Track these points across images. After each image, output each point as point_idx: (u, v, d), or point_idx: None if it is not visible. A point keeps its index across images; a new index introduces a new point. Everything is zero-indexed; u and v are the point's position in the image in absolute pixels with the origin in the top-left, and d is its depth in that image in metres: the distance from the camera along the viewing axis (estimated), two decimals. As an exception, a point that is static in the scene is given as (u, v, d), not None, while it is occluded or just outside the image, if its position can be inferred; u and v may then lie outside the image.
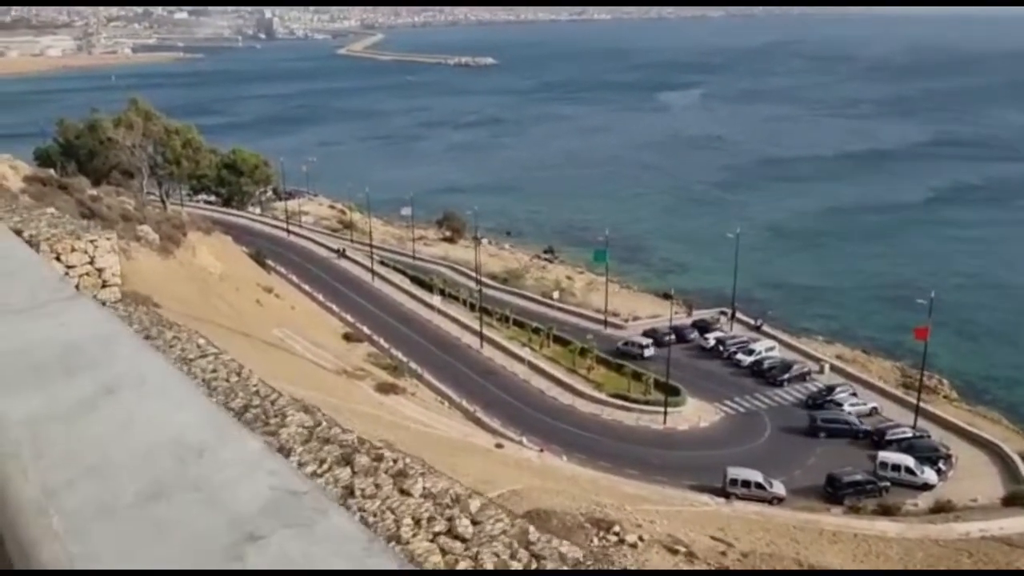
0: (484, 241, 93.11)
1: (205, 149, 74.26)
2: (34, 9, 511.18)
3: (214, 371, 6.74)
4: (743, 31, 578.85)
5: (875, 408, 56.38)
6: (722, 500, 41.72)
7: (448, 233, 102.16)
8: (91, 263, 10.02)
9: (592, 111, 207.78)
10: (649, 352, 64.25)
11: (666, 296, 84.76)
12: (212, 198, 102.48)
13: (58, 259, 9.84)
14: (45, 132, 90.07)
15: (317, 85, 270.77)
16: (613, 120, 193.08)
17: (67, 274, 9.73)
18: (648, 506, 32.78)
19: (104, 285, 10.16)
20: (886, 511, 42.99)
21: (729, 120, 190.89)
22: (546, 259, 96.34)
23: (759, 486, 45.50)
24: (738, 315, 72.82)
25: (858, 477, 46.64)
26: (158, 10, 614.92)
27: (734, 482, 45.46)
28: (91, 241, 10.00)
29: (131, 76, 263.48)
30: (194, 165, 71.41)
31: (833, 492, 45.83)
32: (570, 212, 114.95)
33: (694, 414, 55.81)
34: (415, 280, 78.07)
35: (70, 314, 3.38)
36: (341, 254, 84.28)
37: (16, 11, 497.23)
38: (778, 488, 46.07)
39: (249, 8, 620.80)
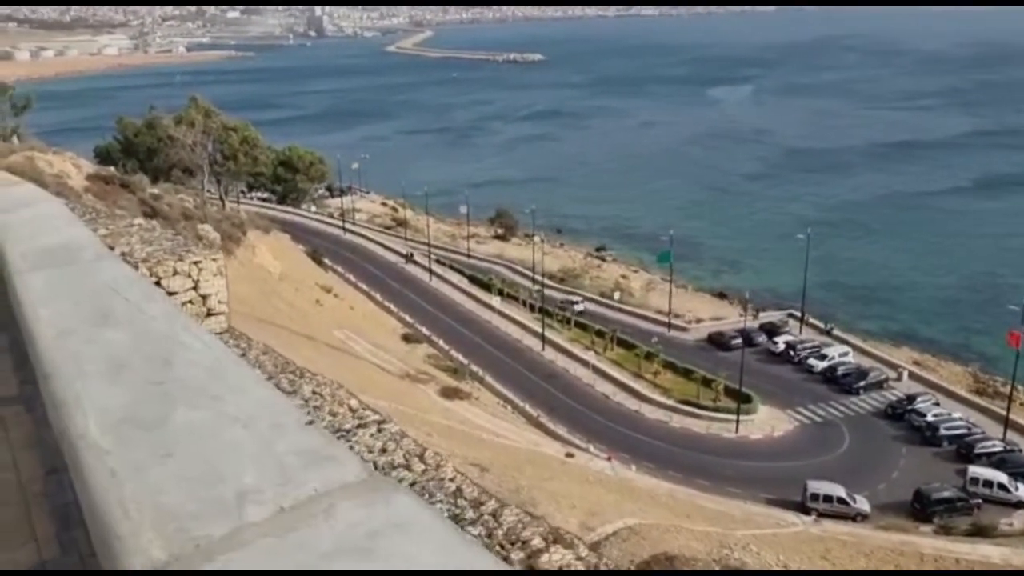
0: (536, 239, 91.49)
1: (262, 146, 73.68)
2: (92, 9, 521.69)
3: (384, 450, 5.21)
4: (794, 26, 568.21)
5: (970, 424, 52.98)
6: (808, 518, 39.57)
7: (500, 231, 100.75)
8: (195, 288, 8.60)
9: (641, 106, 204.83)
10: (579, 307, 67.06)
11: (721, 295, 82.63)
12: (266, 195, 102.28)
13: (158, 283, 8.44)
14: (105, 129, 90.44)
15: (366, 82, 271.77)
16: (662, 115, 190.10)
17: (168, 300, 8.36)
18: (743, 530, 30.87)
19: (209, 313, 8.73)
20: (980, 531, 40.42)
21: (781, 115, 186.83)
22: (599, 257, 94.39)
23: (842, 501, 43.24)
24: (807, 318, 70.11)
25: (948, 494, 44.08)
26: (211, 9, 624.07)
27: (815, 497, 43.25)
28: (195, 263, 8.57)
29: (189, 73, 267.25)
30: (252, 162, 70.83)
31: (921, 509, 43.35)
32: (620, 209, 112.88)
33: (767, 422, 53.56)
34: (473, 280, 76.70)
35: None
36: (409, 259, 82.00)
37: (75, 11, 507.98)
38: (862, 504, 43.74)
39: (300, 7, 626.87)
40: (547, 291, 70.39)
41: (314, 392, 6.43)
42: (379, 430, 5.50)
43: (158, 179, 65.68)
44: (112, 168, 64.07)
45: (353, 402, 6.06)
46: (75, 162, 55.87)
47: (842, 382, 58.81)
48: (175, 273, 8.46)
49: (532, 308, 69.86)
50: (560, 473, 29.94)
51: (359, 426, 5.54)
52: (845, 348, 63.33)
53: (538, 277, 74.49)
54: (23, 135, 57.37)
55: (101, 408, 2.18)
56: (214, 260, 8.63)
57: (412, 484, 4.74)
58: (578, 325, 66.72)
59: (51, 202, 7.04)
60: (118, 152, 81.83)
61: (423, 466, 5.11)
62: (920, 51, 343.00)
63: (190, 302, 8.64)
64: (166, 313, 3.03)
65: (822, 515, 42.56)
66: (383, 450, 5.23)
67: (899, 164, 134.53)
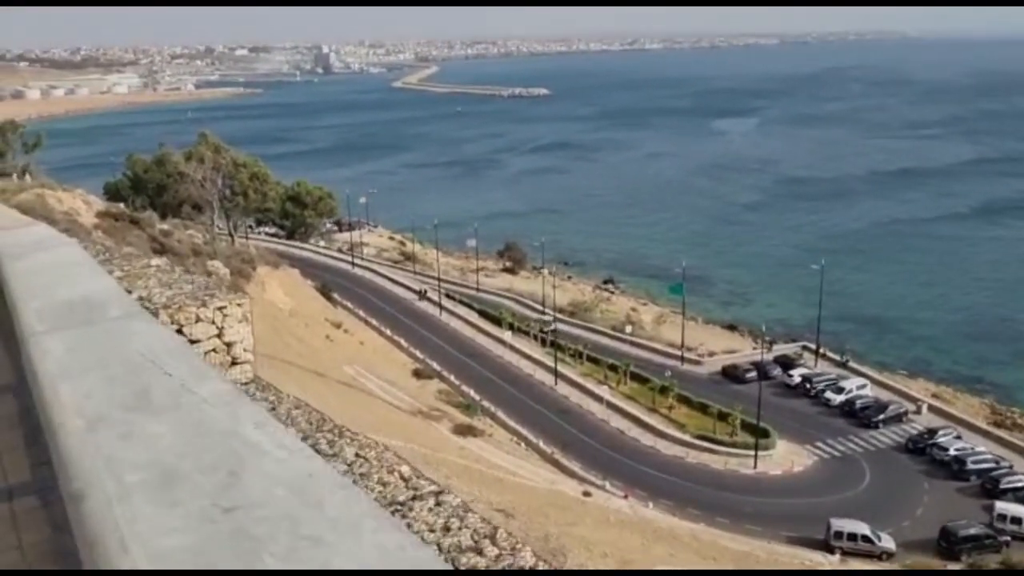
0: (544, 271, 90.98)
1: (272, 181, 73.60)
2: (102, 48, 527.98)
3: (447, 528, 4.57)
4: (798, 58, 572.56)
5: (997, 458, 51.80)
6: (835, 558, 38.53)
7: (509, 264, 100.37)
8: (219, 335, 8.01)
9: (647, 138, 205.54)
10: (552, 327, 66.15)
11: (731, 327, 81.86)
12: (273, 230, 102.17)
13: (179, 331, 7.86)
14: (115, 166, 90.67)
15: (372, 117, 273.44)
16: (668, 147, 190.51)
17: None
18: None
19: (234, 363, 8.13)
20: (1010, 569, 39.29)
21: (787, 145, 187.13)
22: (607, 290, 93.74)
23: (866, 539, 42.18)
24: (822, 350, 69.21)
25: (975, 531, 42.96)
26: (220, 47, 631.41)
27: (839, 535, 42.20)
28: (219, 309, 7.99)
29: (198, 110, 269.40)
30: (261, 198, 70.71)
31: (948, 547, 42.23)
32: (627, 240, 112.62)
33: (786, 458, 52.54)
34: (483, 314, 76.07)
35: None
36: (423, 296, 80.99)
37: (85, 50, 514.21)
38: (887, 542, 42.64)
39: (307, 44, 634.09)
40: (534, 314, 69.80)
41: (357, 455, 5.81)
42: (438, 503, 4.87)
43: (167, 215, 65.58)
44: (122, 205, 64.05)
45: (404, 469, 5.43)
46: (85, 199, 55.77)
47: (861, 416, 57.80)
48: (198, 320, 7.88)
49: (543, 342, 69.12)
50: (582, 515, 29.12)
51: (414, 498, 4.91)
52: (863, 381, 62.37)
53: (548, 311, 73.83)
54: (34, 172, 57.36)
55: (156, 553, 1.57)
56: (239, 305, 8.05)
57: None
58: (591, 359, 65.90)
59: (69, 246, 6.48)
60: (128, 189, 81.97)
61: (496, 550, 4.48)
62: (925, 81, 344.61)
63: (214, 350, 8.05)
64: (222, 396, 2.44)
65: (846, 554, 41.53)
66: (446, 528, 4.59)
67: (905, 192, 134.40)
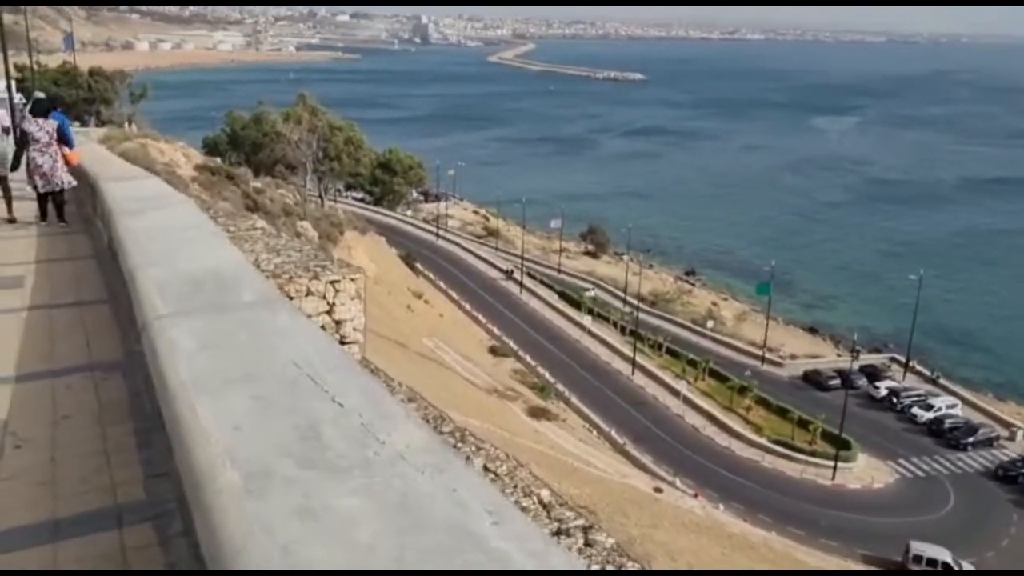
0: (625, 258, 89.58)
1: (366, 148, 73.90)
2: (210, 7, 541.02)
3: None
4: (905, 58, 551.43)
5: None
6: (914, 583, 36.79)
7: (591, 247, 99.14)
8: (329, 312, 7.46)
9: (742, 130, 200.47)
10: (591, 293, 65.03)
11: (811, 330, 79.15)
12: (361, 195, 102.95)
13: (288, 303, 7.33)
14: (214, 121, 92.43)
15: (466, 89, 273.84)
16: (762, 141, 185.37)
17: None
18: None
19: (342, 342, 7.58)
20: (1010, 570, 36.94)
21: (885, 147, 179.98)
22: (688, 282, 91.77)
23: (947, 567, 40.21)
24: (913, 364, 66.39)
25: (1066, 569, 40.55)
26: (322, 11, 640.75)
27: (918, 559, 40.33)
28: (332, 283, 7.44)
29: (299, 71, 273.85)
30: (354, 163, 71.06)
31: (1036, 584, 39.98)
32: (712, 232, 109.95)
33: (866, 472, 50.53)
34: (563, 296, 75.26)
35: None
36: (509, 275, 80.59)
37: (193, 8, 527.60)
38: (968, 571, 40.60)
39: (407, 13, 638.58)
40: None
41: (486, 468, 5.17)
42: (588, 543, 4.19)
43: (260, 173, 66.48)
44: (218, 159, 65.20)
45: (544, 493, 4.79)
46: (185, 151, 56.82)
47: (949, 436, 55.20)
48: (308, 293, 7.34)
49: (623, 330, 68.04)
50: (659, 516, 28.32)
51: (559, 532, 4.26)
52: (953, 400, 59.58)
53: (630, 299, 72.60)
54: (139, 122, 58.74)
55: None
56: (352, 281, 7.48)
57: None
58: (670, 352, 64.58)
59: (184, 205, 5.97)
60: (225, 144, 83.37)
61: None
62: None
63: (322, 327, 7.50)
64: (424, 451, 1.77)
65: (924, 580, 39.73)
66: (599, 578, 3.92)
67: (1003, 203, 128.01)
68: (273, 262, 7.91)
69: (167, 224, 5.24)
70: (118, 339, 4.71)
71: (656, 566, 14.63)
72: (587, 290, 76.62)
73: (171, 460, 2.41)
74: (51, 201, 12.47)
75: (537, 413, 45.87)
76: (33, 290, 6.16)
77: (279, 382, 2.29)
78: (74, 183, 12.69)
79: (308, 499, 1.61)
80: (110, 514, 2.69)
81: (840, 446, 50.37)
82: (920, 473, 51.74)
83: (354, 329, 7.59)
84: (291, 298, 7.38)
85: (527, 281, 78.05)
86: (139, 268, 3.80)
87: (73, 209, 12.68)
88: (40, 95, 15.01)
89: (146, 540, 2.53)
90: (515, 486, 4.87)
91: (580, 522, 4.33)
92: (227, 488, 1.68)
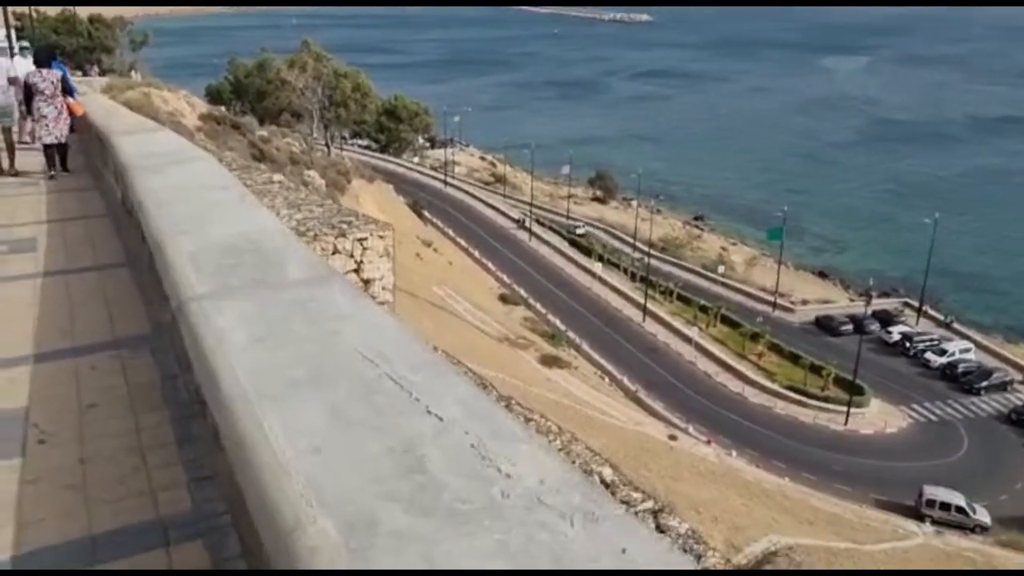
0: (634, 203, 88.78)
1: (373, 94, 72.75)
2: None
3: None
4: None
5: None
6: (928, 528, 36.88)
7: (599, 193, 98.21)
8: (357, 270, 7.09)
9: (752, 71, 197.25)
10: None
11: (821, 275, 78.46)
12: (366, 143, 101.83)
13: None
14: (217, 68, 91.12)
15: (471, 33, 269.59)
16: (771, 82, 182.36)
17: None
18: (869, 544, 28.59)
19: (370, 302, 7.22)
20: (1010, 570, 36.95)
21: (896, 88, 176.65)
22: (697, 227, 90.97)
23: (960, 511, 40.27)
24: (926, 308, 65.94)
25: (1080, 511, 40.58)
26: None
27: (931, 503, 40.36)
28: (359, 240, 7.04)
29: (303, 17, 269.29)
30: (361, 110, 70.00)
31: (1049, 525, 39.98)
32: (720, 176, 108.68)
33: (879, 417, 50.48)
34: (573, 243, 74.74)
35: None
36: (521, 225, 79.36)
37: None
38: (982, 515, 40.67)
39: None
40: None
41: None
42: (660, 528, 3.87)
43: (265, 121, 65.59)
44: (223, 108, 64.28)
45: (606, 471, 4.43)
46: (189, 100, 55.92)
47: (962, 380, 54.99)
48: (335, 252, 6.95)
49: (633, 277, 67.65)
50: (676, 465, 28.27)
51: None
52: (967, 344, 59.25)
53: (640, 245, 72.07)
54: (141, 70, 57.78)
55: None
56: (381, 237, 7.09)
57: None
58: (680, 298, 64.22)
59: (204, 160, 5.55)
60: (228, 92, 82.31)
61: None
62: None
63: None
64: (561, 484, 1.39)
65: (937, 523, 39.79)
66: None
67: (1017, 143, 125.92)
68: (295, 218, 7.53)
69: (189, 183, 4.83)
70: (142, 309, 4.34)
71: (681, 519, 14.51)
72: (577, 227, 76.16)
73: (227, 478, 2.05)
74: (56, 150, 12.17)
75: (549, 361, 45.79)
76: (47, 253, 5.79)
77: (355, 385, 1.91)
78: (67, 136, 12.36)
79: (431, 561, 1.25)
80: (154, 529, 2.34)
81: (853, 391, 50.26)
82: (933, 418, 51.68)
83: (383, 288, 7.23)
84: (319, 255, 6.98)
85: (536, 228, 77.48)
86: (167, 236, 3.40)
87: (81, 161, 12.27)
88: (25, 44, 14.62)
89: (197, 560, 2.18)
90: (572, 461, 4.56)
91: (649, 504, 4.03)
92: (322, 545, 1.32)
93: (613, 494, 4.22)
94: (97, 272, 5.20)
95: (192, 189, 4.56)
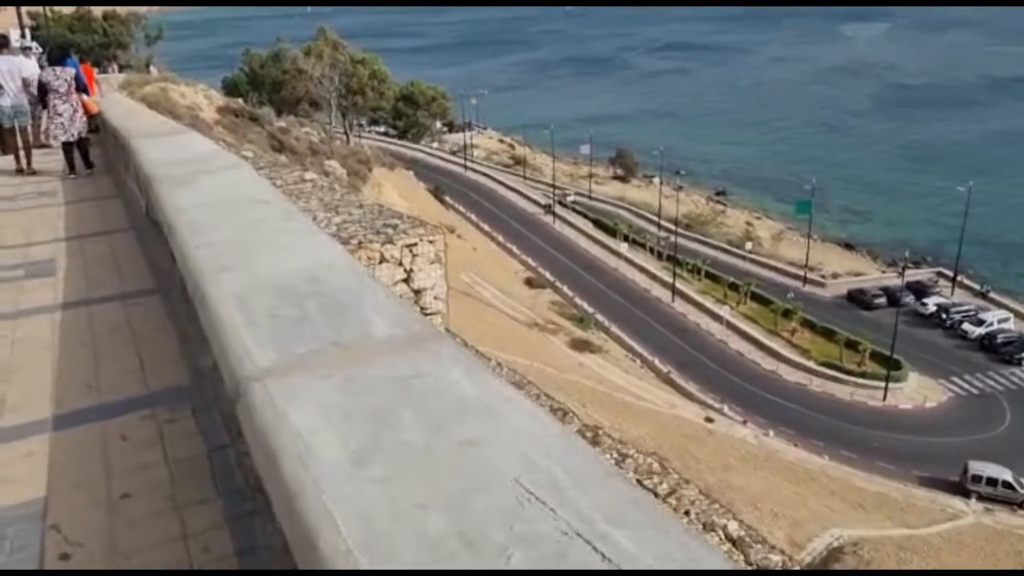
0: (656, 180, 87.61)
1: (390, 81, 71.94)
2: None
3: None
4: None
5: None
6: (977, 505, 35.96)
7: (620, 172, 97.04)
8: (407, 280, 6.42)
9: (769, 41, 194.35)
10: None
11: (848, 246, 76.92)
12: (384, 129, 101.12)
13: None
14: (232, 60, 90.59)
15: (487, 14, 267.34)
16: (790, 51, 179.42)
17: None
18: (924, 528, 27.75)
19: (423, 313, 6.55)
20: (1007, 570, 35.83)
21: (913, 53, 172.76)
22: (720, 202, 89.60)
23: (1007, 486, 39.29)
24: (960, 278, 64.52)
25: None
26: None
27: (977, 479, 39.40)
28: (408, 246, 6.37)
29: (319, 4, 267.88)
30: (378, 96, 69.24)
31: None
32: (741, 149, 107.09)
33: (918, 392, 49.44)
34: (597, 223, 73.80)
35: None
36: (548, 210, 77.72)
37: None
38: (1030, 489, 39.67)
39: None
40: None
41: (641, 484, 4.17)
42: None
43: (283, 112, 65.01)
44: (240, 100, 63.76)
45: (732, 525, 3.49)
46: (206, 93, 55.52)
47: (1002, 351, 53.72)
48: (382, 260, 6.27)
49: (660, 256, 66.71)
50: (720, 452, 27.54)
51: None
52: (1005, 313, 57.91)
53: (664, 223, 71.03)
54: (157, 64, 57.34)
55: None
56: (431, 242, 6.41)
57: None
58: (709, 276, 63.23)
59: (238, 169, 4.87)
60: (245, 84, 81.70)
61: None
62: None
63: (399, 297, 6.44)
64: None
65: (983, 499, 38.86)
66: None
67: None
68: (333, 222, 6.85)
69: (225, 197, 4.15)
70: (177, 349, 3.68)
71: (744, 517, 13.89)
72: (567, 195, 76.99)
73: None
74: (76, 148, 11.68)
75: (580, 346, 45.13)
76: (66, 278, 5.15)
77: (531, 552, 1.22)
78: (86, 133, 11.91)
79: None
80: None
81: (890, 366, 49.20)
82: (974, 390, 50.58)
83: (435, 298, 6.56)
84: (365, 263, 6.31)
85: (559, 209, 76.59)
86: (208, 278, 2.73)
87: (101, 165, 11.70)
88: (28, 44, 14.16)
89: None
90: (685, 513, 3.89)
91: (777, 559, 3.41)
92: None
93: (743, 553, 3.57)
94: (122, 302, 4.55)
95: (229, 206, 3.89)
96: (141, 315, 4.34)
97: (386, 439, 1.60)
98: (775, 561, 3.87)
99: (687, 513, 4.19)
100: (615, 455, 4.90)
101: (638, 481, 4.36)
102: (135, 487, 2.61)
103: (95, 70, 30.24)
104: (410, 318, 2.26)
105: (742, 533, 4.09)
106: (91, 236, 6.27)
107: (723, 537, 3.81)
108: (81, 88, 12.42)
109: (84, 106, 12.24)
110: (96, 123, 12.75)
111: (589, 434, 4.94)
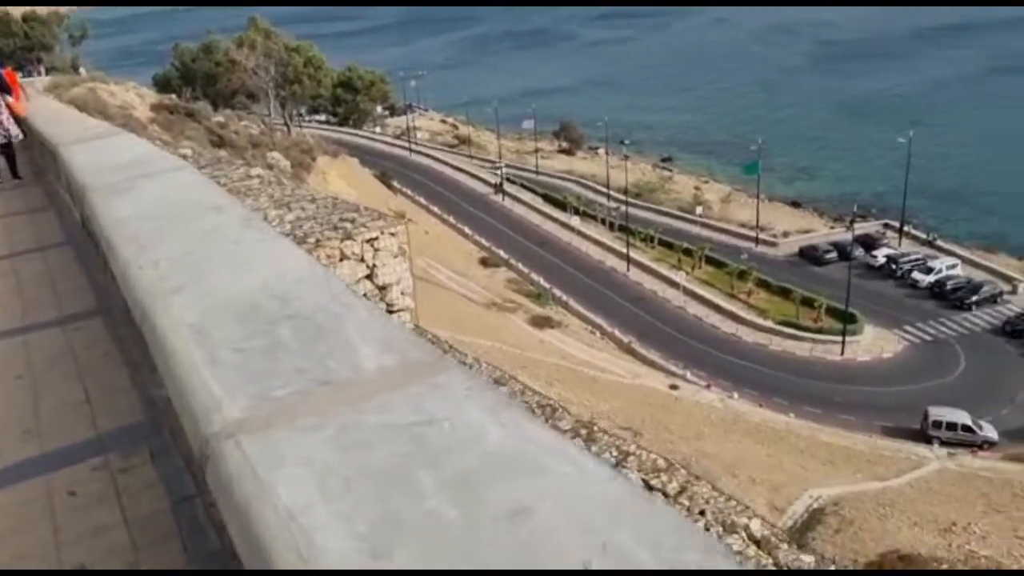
0: (601, 151, 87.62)
1: (327, 67, 70.57)
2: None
3: None
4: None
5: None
6: (941, 451, 36.66)
7: (565, 145, 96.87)
8: (370, 276, 6.04)
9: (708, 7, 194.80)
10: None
11: (795, 204, 77.74)
12: (324, 117, 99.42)
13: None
14: (162, 56, 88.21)
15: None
16: (730, 12, 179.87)
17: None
18: (895, 478, 28.09)
19: (389, 310, 6.17)
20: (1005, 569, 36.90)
21: (851, 11, 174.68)
22: (667, 168, 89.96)
23: (967, 429, 40.21)
24: (907, 228, 65.67)
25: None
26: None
27: (937, 424, 40.29)
28: (369, 241, 5.97)
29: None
30: (315, 84, 67.91)
31: (1055, 434, 40.07)
32: (682, 114, 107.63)
33: (874, 343, 50.30)
34: (547, 198, 73.56)
35: None
36: (498, 188, 76.51)
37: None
38: (988, 431, 40.69)
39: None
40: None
41: (648, 485, 3.81)
42: None
43: (219, 106, 63.47)
44: (173, 96, 62.07)
45: (754, 524, 3.27)
46: (137, 92, 53.85)
47: (952, 297, 54.93)
48: (343, 258, 5.88)
49: (611, 227, 66.75)
50: (689, 419, 27.60)
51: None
52: (953, 260, 59.12)
53: (614, 193, 71.04)
54: (85, 65, 55.43)
55: None
56: (392, 235, 6.05)
57: None
58: (662, 243, 63.46)
59: (181, 171, 4.42)
60: (177, 79, 79.65)
61: None
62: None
63: (364, 295, 6.05)
64: None
65: (945, 444, 39.70)
66: None
67: (954, 50, 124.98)
68: (287, 220, 6.43)
69: (168, 204, 3.73)
70: (127, 383, 3.28)
71: (723, 486, 13.80)
72: (498, 168, 76.99)
73: None
74: (3, 155, 11.02)
75: (539, 322, 44.98)
76: (-2, 305, 4.68)
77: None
78: (20, 136, 11.25)
79: None
80: None
81: (846, 320, 49.96)
82: (928, 338, 51.63)
83: (402, 293, 6.21)
84: (325, 263, 5.88)
85: (508, 187, 76.15)
86: (157, 304, 2.34)
87: (29, 174, 11.04)
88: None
89: None
90: (700, 513, 3.60)
91: (810, 559, 3.17)
92: None
93: (771, 555, 3.31)
94: (61, 328, 4.11)
95: (175, 214, 3.47)
96: (83, 341, 3.90)
97: (405, 514, 1.25)
98: (807, 562, 3.72)
99: (703, 513, 4.01)
100: (615, 453, 4.68)
101: (644, 480, 4.13)
102: (90, 557, 2.22)
103: (18, 74, 28.95)
104: (401, 339, 1.90)
105: (766, 532, 3.92)
106: (23, 253, 5.78)
107: (746, 539, 3.62)
108: (4, 89, 11.73)
109: (10, 108, 11.57)
110: (24, 128, 12.09)
111: (584, 431, 4.72)
